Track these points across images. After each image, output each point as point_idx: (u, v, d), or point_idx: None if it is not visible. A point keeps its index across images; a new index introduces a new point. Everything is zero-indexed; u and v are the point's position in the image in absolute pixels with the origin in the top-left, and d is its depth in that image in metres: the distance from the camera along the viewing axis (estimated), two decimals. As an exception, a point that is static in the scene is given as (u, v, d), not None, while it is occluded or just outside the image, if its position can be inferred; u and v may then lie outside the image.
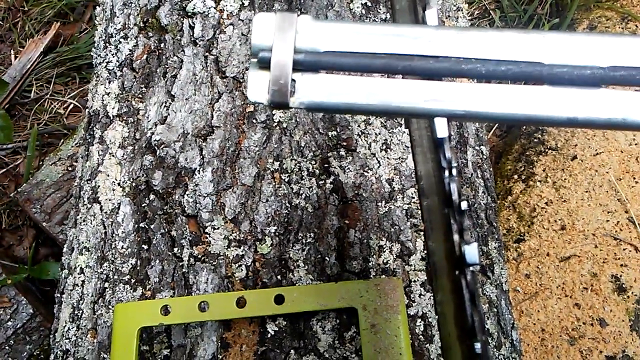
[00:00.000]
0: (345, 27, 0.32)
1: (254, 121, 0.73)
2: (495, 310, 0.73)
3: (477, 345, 0.34)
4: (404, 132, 0.74)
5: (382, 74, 0.32)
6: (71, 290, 0.72)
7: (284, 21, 0.32)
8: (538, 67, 0.30)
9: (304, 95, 0.32)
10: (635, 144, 1.07)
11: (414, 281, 0.66)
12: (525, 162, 1.16)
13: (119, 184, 0.73)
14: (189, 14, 0.79)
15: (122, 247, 0.69)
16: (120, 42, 0.83)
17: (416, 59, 0.31)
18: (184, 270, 0.67)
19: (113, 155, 0.76)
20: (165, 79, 0.78)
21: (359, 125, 0.73)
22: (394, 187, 0.71)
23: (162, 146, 0.73)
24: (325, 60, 0.32)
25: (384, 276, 0.65)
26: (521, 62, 0.30)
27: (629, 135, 1.08)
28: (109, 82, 0.81)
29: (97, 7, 0.93)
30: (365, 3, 0.80)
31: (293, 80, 0.32)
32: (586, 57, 0.30)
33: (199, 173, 0.70)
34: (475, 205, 0.78)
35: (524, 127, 1.25)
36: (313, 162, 0.71)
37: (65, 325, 0.71)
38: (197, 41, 0.79)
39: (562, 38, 0.30)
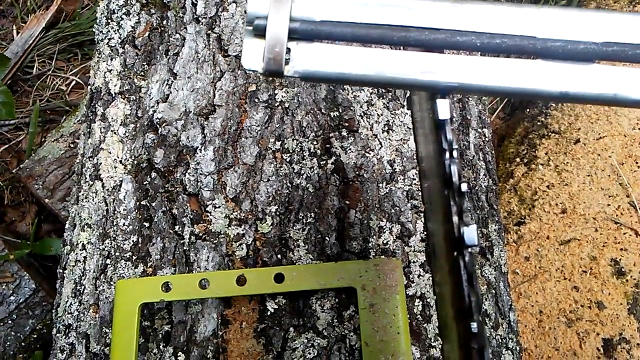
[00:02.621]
0: None
1: (256, 100, 0.72)
2: (494, 291, 0.73)
3: (474, 325, 0.34)
4: (406, 113, 0.74)
5: (377, 45, 0.32)
6: (73, 266, 0.73)
7: None
8: (532, 40, 0.30)
9: (298, 64, 0.32)
10: (639, 128, 1.07)
11: (413, 262, 0.66)
12: (527, 145, 1.16)
13: (120, 161, 0.74)
14: (192, -10, 0.78)
15: (124, 225, 0.70)
16: (122, 19, 0.83)
17: (412, 30, 0.31)
18: (185, 248, 0.67)
19: (115, 133, 0.76)
20: (168, 57, 0.78)
21: (361, 106, 0.73)
22: (395, 169, 0.71)
23: (164, 124, 0.73)
24: (321, 30, 0.31)
25: (383, 257, 0.66)
26: (516, 35, 0.30)
27: (633, 119, 1.07)
28: (111, 59, 0.81)
29: (99, -18, 0.92)
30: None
31: (288, 48, 0.32)
32: (580, 32, 0.30)
33: (201, 152, 0.70)
34: (476, 188, 0.78)
35: (527, 110, 1.25)
36: (315, 142, 0.71)
37: (68, 301, 0.71)
38: (200, 19, 0.78)
39: (557, 13, 0.30)
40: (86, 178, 0.76)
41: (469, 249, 0.35)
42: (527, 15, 0.30)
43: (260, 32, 0.31)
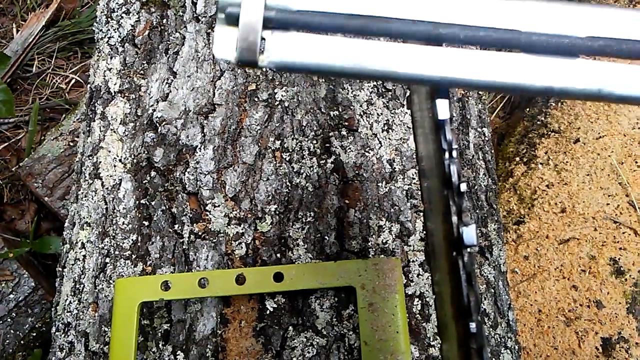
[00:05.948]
0: None
1: (256, 99, 0.72)
2: (493, 290, 0.73)
3: (472, 325, 0.34)
4: (406, 112, 0.74)
5: (357, 35, 0.31)
6: (72, 264, 0.73)
7: None
8: (516, 34, 0.29)
9: (273, 54, 0.30)
10: (639, 128, 1.07)
11: (413, 261, 0.66)
12: (527, 145, 1.16)
13: (120, 160, 0.74)
14: (192, -11, 0.78)
15: (123, 223, 0.70)
16: (122, 17, 0.83)
17: (393, 21, 0.30)
18: (184, 246, 0.67)
19: (114, 132, 0.76)
20: (167, 56, 0.78)
21: (361, 106, 0.73)
22: (395, 168, 0.71)
23: (164, 123, 0.73)
24: (297, 19, 0.30)
25: (382, 256, 0.66)
26: (499, 28, 0.29)
27: (633, 118, 1.07)
28: (111, 58, 0.81)
29: (99, -19, 0.92)
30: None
31: (263, 38, 0.30)
32: (565, 26, 0.29)
33: (200, 151, 0.70)
34: (476, 187, 0.78)
35: (527, 109, 1.25)
36: (314, 142, 0.71)
37: (67, 299, 0.71)
38: (200, 17, 0.78)
39: (542, 6, 0.30)
40: (86, 176, 0.76)
41: (468, 249, 0.35)
42: (512, 8, 0.30)
43: (233, 21, 0.30)
